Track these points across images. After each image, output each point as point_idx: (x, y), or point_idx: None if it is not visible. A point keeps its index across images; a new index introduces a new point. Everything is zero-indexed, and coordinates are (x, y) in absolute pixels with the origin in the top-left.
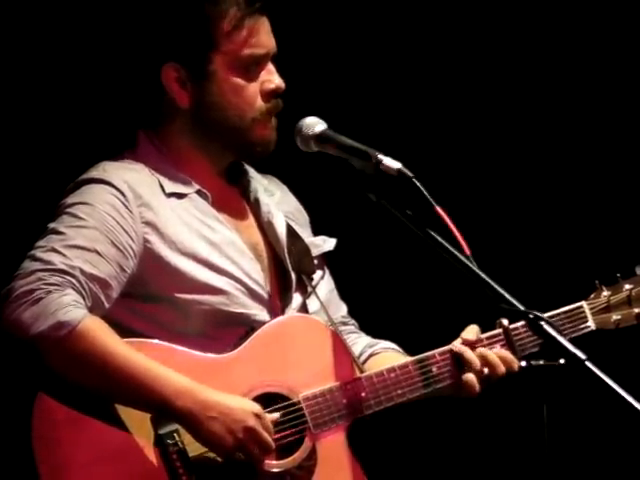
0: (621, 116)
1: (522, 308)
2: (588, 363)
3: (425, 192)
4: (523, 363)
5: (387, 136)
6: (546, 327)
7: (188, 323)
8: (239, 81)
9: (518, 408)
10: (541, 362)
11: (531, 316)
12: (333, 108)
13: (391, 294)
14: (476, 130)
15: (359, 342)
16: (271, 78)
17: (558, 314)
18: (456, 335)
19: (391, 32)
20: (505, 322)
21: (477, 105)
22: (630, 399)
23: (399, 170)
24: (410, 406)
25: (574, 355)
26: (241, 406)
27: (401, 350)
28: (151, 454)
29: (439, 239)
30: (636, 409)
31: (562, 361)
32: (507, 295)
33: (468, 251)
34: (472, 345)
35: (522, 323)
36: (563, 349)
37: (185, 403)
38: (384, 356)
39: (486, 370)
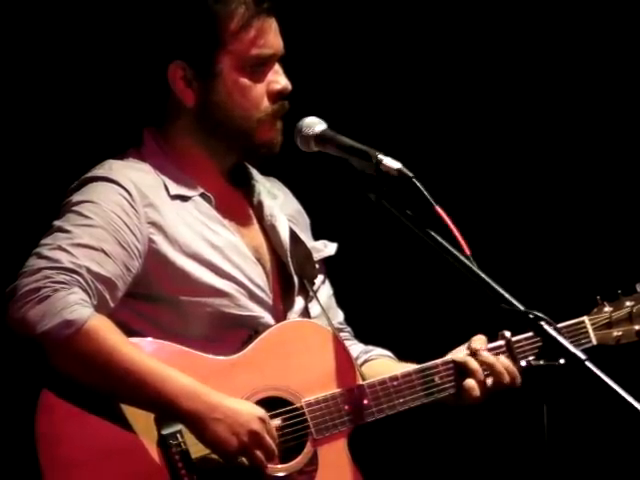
0: (626, 130)
1: (522, 308)
2: (588, 363)
3: (425, 192)
4: (523, 363)
5: (387, 136)
6: (546, 327)
7: (190, 325)
8: (245, 81)
9: (518, 408)
10: (541, 362)
11: (531, 316)
12: (333, 108)
13: (389, 301)
14: (477, 131)
15: (354, 349)
16: (278, 79)
17: (560, 328)
18: (456, 342)
19: (391, 32)
20: (507, 334)
21: (477, 105)
22: (630, 399)
23: (399, 170)
24: (409, 408)
25: (574, 355)
26: (246, 409)
27: (395, 358)
28: (154, 454)
29: (439, 239)
30: (636, 409)
31: (562, 361)
32: (507, 295)
33: (468, 251)
34: (477, 354)
35: (524, 335)
36: (563, 349)
37: (190, 404)
38: (379, 363)
39: (489, 380)
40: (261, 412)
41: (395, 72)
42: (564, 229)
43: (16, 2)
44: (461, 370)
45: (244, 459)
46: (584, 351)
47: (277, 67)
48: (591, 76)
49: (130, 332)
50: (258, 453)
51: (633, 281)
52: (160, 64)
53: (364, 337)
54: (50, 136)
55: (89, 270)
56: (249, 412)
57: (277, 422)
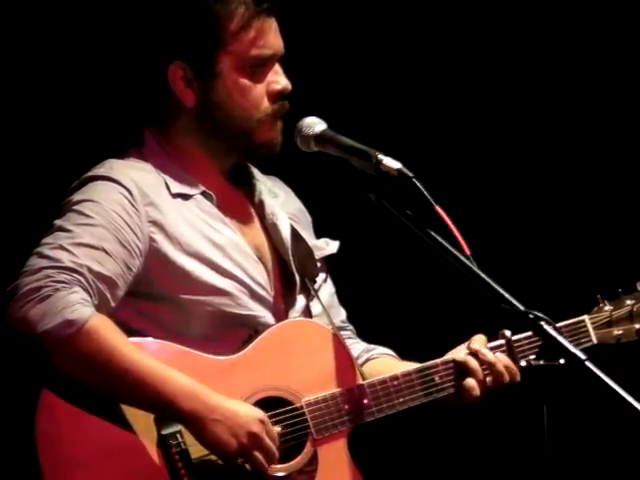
0: (626, 130)
1: (522, 308)
2: (588, 363)
3: (425, 192)
4: (523, 363)
5: (387, 136)
6: (546, 327)
7: (190, 324)
8: (245, 82)
9: (518, 408)
10: (541, 362)
11: (531, 316)
12: (333, 108)
13: (391, 299)
14: (476, 131)
15: (356, 347)
16: (278, 79)
17: (560, 327)
18: (456, 342)
19: (391, 32)
20: (508, 333)
21: (477, 105)
22: (630, 399)
23: (399, 170)
24: (409, 408)
25: (574, 355)
26: (245, 411)
27: (397, 356)
28: (154, 454)
29: (439, 239)
30: (636, 409)
31: (562, 361)
32: (507, 295)
33: (468, 251)
34: (478, 354)
35: (524, 335)
36: (563, 349)
37: (190, 405)
38: (381, 361)
39: (489, 379)
40: (261, 414)
41: (395, 72)
42: (564, 229)
43: (16, 2)
44: (461, 370)
45: (244, 462)
46: (584, 351)
47: (277, 67)
48: (591, 76)
49: (131, 331)
50: (257, 455)
51: (633, 280)
52: (160, 64)
53: (366, 336)
54: (51, 136)
55: (90, 269)
56: (248, 414)
57: (277, 430)
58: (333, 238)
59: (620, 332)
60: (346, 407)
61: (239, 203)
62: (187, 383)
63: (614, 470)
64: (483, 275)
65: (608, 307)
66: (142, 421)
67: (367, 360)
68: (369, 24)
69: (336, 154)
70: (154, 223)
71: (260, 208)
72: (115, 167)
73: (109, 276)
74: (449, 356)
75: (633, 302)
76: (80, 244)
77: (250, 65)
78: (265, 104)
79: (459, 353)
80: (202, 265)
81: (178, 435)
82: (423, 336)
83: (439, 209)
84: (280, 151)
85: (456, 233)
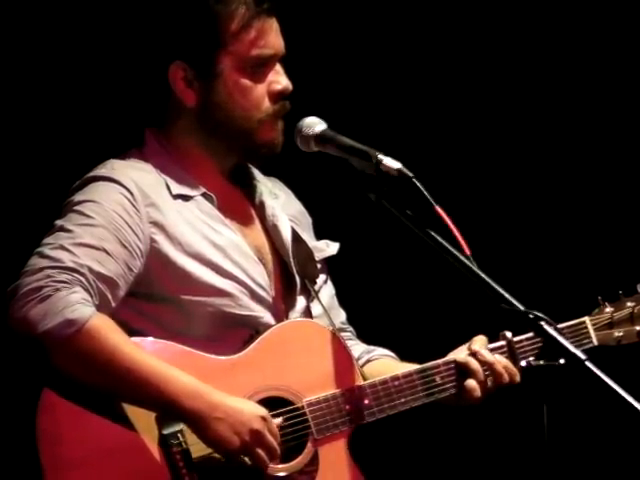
0: (626, 131)
1: (522, 308)
2: (588, 363)
3: (425, 192)
4: (523, 363)
5: (387, 136)
6: (546, 327)
7: (191, 324)
8: (246, 82)
9: (518, 408)
10: (541, 362)
11: (531, 316)
12: (333, 108)
13: (391, 300)
14: (476, 131)
15: (356, 349)
16: (279, 79)
17: (560, 328)
18: (457, 342)
19: (391, 32)
20: (509, 334)
21: (477, 105)
22: (630, 399)
23: (399, 170)
24: (410, 408)
25: (574, 355)
26: (248, 408)
27: (397, 358)
28: (155, 453)
29: (439, 239)
30: (636, 409)
31: (562, 361)
32: (507, 295)
33: (468, 251)
34: (477, 355)
35: (525, 336)
36: (563, 349)
37: (192, 403)
38: (381, 363)
39: (489, 380)
40: (263, 411)
41: (395, 72)
42: (564, 229)
43: (16, 2)
44: (462, 370)
45: (246, 458)
46: (584, 351)
47: (278, 67)
48: (591, 76)
49: (131, 331)
50: (260, 452)
51: (634, 281)
52: (161, 65)
53: (366, 337)
54: (52, 136)
55: (91, 269)
56: (251, 411)
57: (278, 422)
58: (333, 239)
59: (621, 334)
60: (347, 407)
61: (240, 204)
62: (190, 382)
63: (614, 470)
64: (483, 275)
65: (609, 309)
66: (143, 420)
67: (367, 361)
68: (369, 24)
69: (336, 154)
70: (155, 224)
71: (261, 209)
72: (116, 167)
73: (110, 276)
74: (450, 357)
75: (634, 304)
76: (81, 244)
77: (251, 65)
78: (266, 104)
79: (460, 354)
80: (202, 266)
81: (179, 434)
82: (423, 337)
83: (439, 209)
84: (280, 151)
85: (456, 233)
